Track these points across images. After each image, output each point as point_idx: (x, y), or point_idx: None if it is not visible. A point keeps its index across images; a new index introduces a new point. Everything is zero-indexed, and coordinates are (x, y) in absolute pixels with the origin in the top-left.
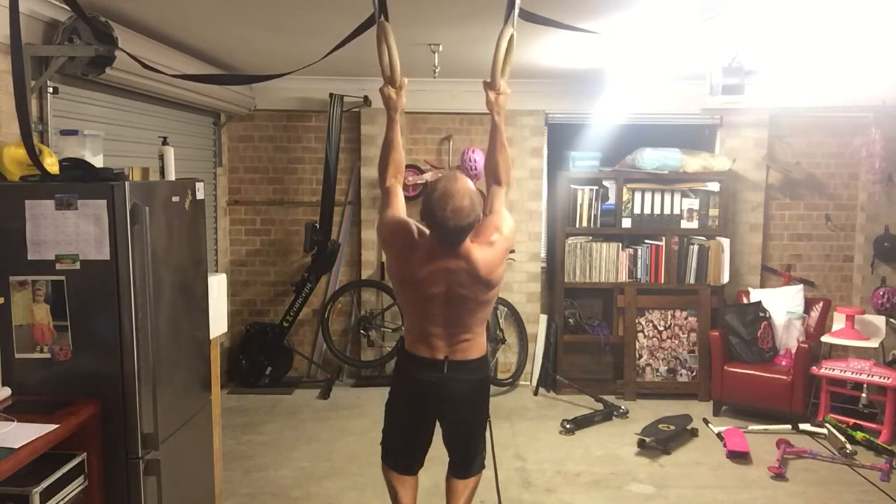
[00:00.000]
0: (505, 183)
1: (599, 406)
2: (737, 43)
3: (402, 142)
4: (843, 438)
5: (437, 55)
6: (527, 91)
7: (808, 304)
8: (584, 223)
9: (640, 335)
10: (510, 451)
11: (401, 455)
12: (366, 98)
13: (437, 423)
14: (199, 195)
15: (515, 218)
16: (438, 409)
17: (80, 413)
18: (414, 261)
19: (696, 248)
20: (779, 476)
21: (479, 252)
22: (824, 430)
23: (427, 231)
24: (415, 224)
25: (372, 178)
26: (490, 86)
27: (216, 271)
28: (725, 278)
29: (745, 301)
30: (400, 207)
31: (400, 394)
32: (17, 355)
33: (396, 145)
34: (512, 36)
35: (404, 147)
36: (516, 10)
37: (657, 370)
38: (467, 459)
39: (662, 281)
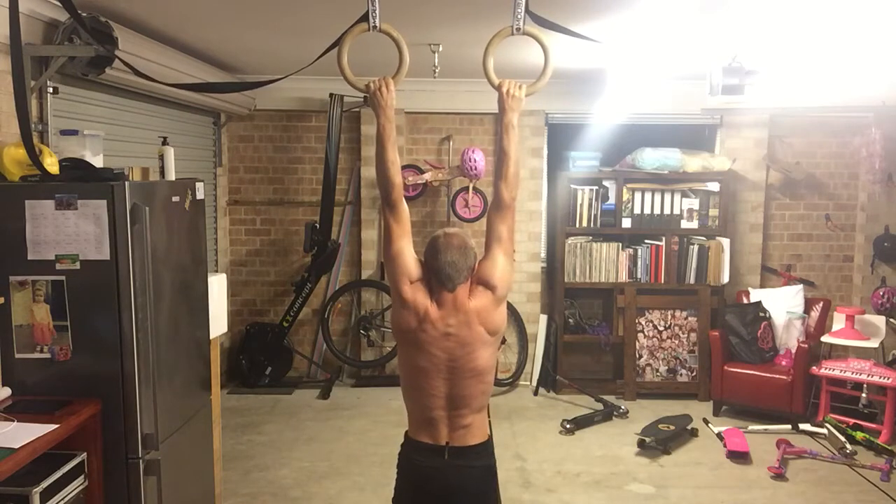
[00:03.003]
0: (513, 189)
1: (599, 406)
2: (737, 43)
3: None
4: (843, 438)
5: (437, 55)
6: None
7: (808, 304)
8: (584, 223)
9: (640, 335)
10: (510, 451)
11: None
12: (366, 98)
13: None
14: (199, 195)
15: (515, 218)
16: (442, 499)
17: (80, 413)
18: (418, 325)
19: (696, 248)
20: (779, 476)
21: (476, 299)
22: (824, 430)
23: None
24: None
25: (372, 178)
26: (532, 86)
27: (216, 271)
28: (725, 278)
29: (745, 301)
30: (408, 233)
31: (404, 484)
32: (17, 355)
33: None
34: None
35: (404, 148)
36: (523, 11)
37: (657, 370)
38: None
39: (662, 281)
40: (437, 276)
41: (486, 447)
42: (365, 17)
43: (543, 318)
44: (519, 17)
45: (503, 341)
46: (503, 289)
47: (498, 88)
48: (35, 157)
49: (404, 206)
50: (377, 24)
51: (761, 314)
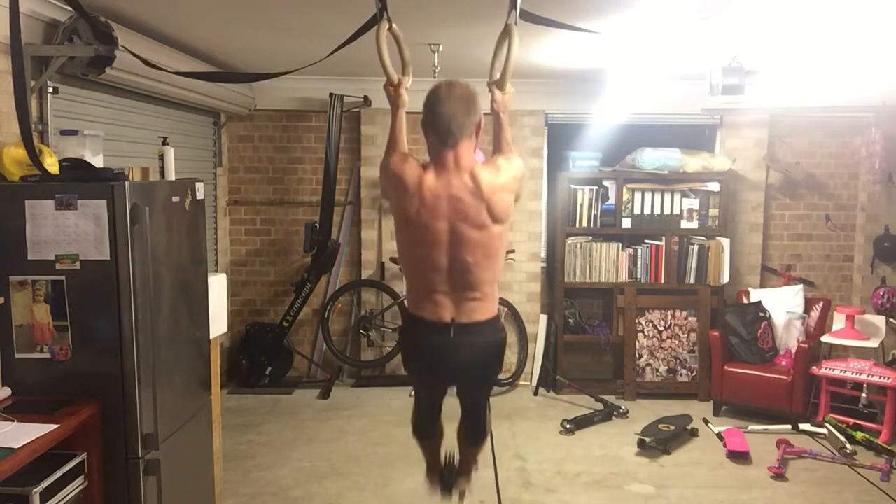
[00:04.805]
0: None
1: (599, 406)
2: (737, 43)
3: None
4: (843, 438)
5: (437, 55)
6: (527, 91)
7: (808, 304)
8: (584, 223)
9: (640, 335)
10: (510, 451)
11: (419, 423)
12: (366, 98)
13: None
14: (199, 195)
15: (515, 218)
16: (447, 374)
17: (80, 413)
18: (417, 184)
19: (696, 248)
20: (779, 476)
21: (483, 170)
22: (824, 430)
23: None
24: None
25: (372, 178)
26: (499, 85)
27: (216, 271)
28: (725, 278)
29: (745, 301)
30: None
31: (410, 356)
32: (17, 355)
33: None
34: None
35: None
36: (517, 11)
37: (657, 370)
38: (477, 426)
39: (662, 281)
40: (435, 130)
41: (494, 324)
42: (381, 17)
43: (543, 318)
44: (512, 16)
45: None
46: (509, 183)
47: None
48: (35, 157)
49: None
50: (391, 25)
51: (761, 314)
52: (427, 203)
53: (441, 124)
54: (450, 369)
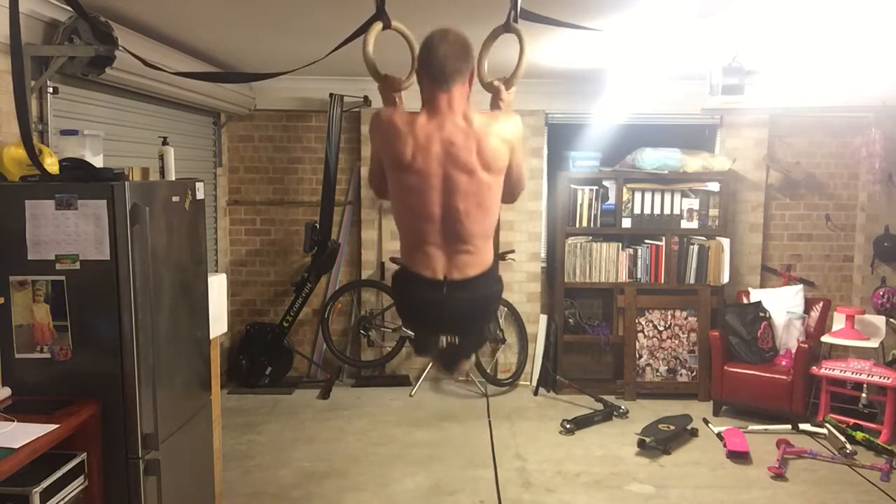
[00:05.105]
0: (516, 189)
1: (599, 406)
2: (737, 43)
3: None
4: (843, 438)
5: None
6: (527, 91)
7: (808, 304)
8: (584, 223)
9: (640, 335)
10: (510, 451)
11: (419, 347)
12: (366, 98)
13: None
14: (199, 195)
15: (515, 218)
16: (440, 327)
17: (80, 413)
18: (410, 126)
19: (696, 248)
20: (779, 476)
21: (477, 114)
22: (824, 430)
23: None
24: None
25: None
26: (508, 83)
27: (216, 271)
28: (725, 278)
29: (745, 301)
30: None
31: (401, 311)
32: (17, 355)
33: None
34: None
35: None
36: (517, 10)
37: (657, 370)
38: (474, 346)
39: (662, 281)
40: (430, 74)
41: (489, 276)
42: (378, 16)
43: (543, 318)
44: (511, 15)
45: (503, 340)
46: (503, 131)
47: (494, 90)
48: (35, 157)
49: None
50: (390, 23)
51: (761, 314)
52: (420, 143)
53: (435, 68)
54: (443, 323)
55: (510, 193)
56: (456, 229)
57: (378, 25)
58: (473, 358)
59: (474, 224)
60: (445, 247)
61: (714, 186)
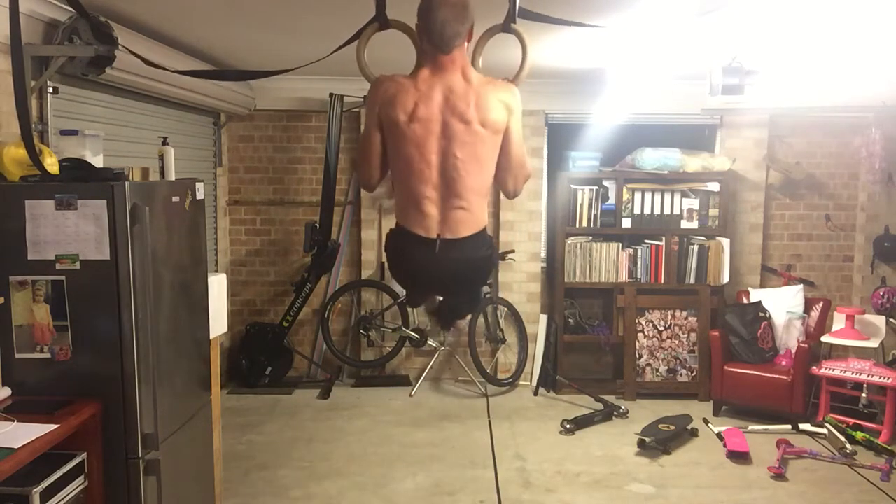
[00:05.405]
0: (519, 182)
1: (599, 406)
2: (737, 43)
3: None
4: (843, 438)
5: None
6: (527, 91)
7: (808, 304)
8: (584, 223)
9: (640, 335)
10: (510, 451)
11: (413, 302)
12: (366, 98)
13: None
14: (199, 195)
15: (515, 218)
16: (433, 287)
17: (80, 413)
18: (412, 81)
19: (696, 248)
20: (779, 476)
21: (476, 73)
22: (824, 430)
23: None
24: None
25: None
26: (516, 82)
27: (216, 271)
28: (725, 278)
29: (745, 301)
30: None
31: (394, 270)
32: (17, 355)
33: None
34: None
35: None
36: (516, 11)
37: (657, 370)
38: (467, 309)
39: (662, 281)
40: (430, 37)
41: (480, 239)
42: (376, 17)
43: (543, 318)
44: (510, 14)
45: (503, 340)
46: (501, 93)
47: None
48: (35, 157)
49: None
50: (387, 22)
51: (761, 314)
52: (422, 92)
53: (435, 34)
54: (435, 283)
55: (513, 178)
56: (452, 179)
57: (373, 28)
58: (469, 316)
59: (470, 176)
60: (441, 202)
61: (714, 186)
